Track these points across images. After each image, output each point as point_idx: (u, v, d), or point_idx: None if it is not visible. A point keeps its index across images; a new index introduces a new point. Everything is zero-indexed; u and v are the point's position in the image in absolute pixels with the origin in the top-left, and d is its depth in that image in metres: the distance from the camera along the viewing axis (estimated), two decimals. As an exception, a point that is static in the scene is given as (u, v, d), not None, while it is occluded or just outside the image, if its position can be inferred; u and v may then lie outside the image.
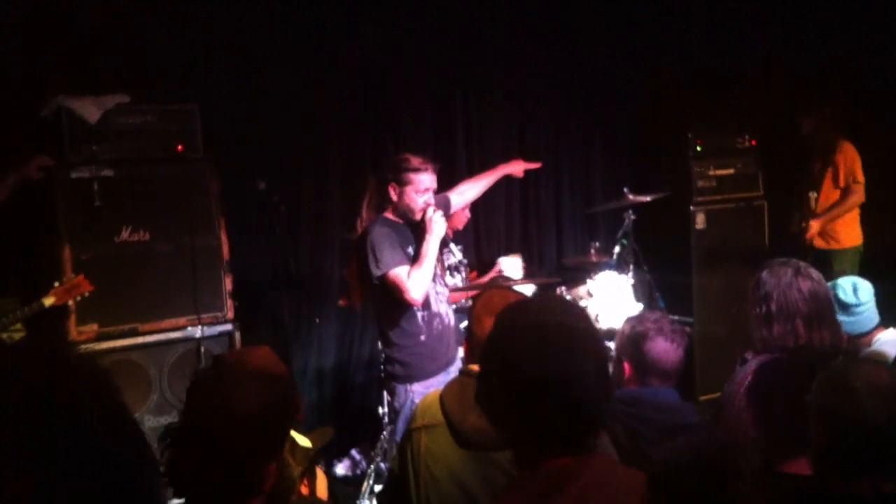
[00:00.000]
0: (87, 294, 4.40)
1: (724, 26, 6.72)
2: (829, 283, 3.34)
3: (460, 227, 5.80)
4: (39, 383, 0.79)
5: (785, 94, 6.70)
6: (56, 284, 4.31)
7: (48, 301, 4.26)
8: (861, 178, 5.97)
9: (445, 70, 6.39)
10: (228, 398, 1.75)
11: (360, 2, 5.95)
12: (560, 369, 1.65)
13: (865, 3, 6.39)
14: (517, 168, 4.93)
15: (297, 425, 2.42)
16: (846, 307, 3.43)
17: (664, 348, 2.94)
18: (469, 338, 2.73)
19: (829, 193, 6.11)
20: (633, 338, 2.98)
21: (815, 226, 5.96)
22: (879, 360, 2.43)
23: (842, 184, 6.03)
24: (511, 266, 5.84)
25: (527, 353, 1.67)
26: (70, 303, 4.39)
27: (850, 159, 5.98)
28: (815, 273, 3.10)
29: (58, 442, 0.77)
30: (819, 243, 6.11)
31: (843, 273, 4.83)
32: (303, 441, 2.63)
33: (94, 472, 0.78)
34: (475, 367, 2.65)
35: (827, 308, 3.09)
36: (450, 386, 2.72)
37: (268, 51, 5.66)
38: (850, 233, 6.16)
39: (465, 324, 5.18)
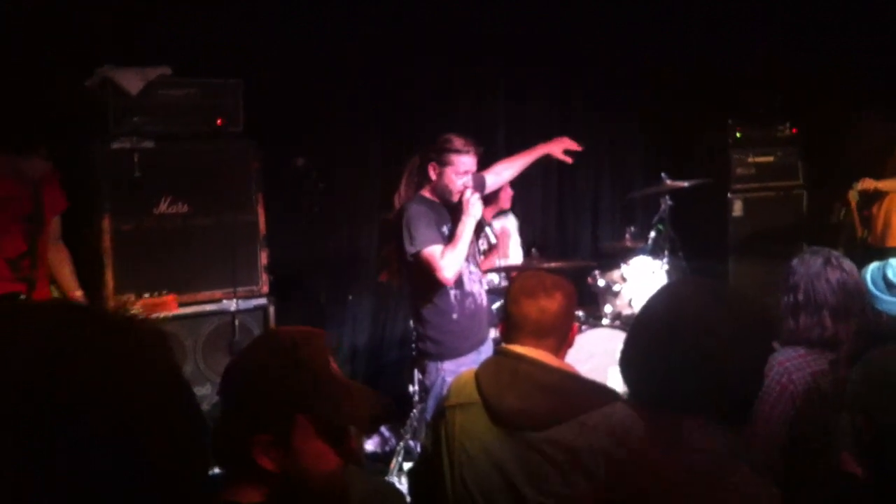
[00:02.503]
0: (169, 315, 4.37)
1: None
2: (880, 263, 3.28)
3: (507, 205, 5.89)
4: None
5: (830, 85, 6.59)
6: (146, 296, 4.34)
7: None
8: None
9: (486, 57, 6.39)
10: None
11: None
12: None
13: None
14: (557, 148, 4.84)
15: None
16: (892, 286, 3.36)
17: None
18: (506, 318, 2.73)
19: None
20: None
21: (868, 181, 5.85)
22: None
23: None
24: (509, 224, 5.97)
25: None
26: (108, 272, 4.42)
27: None
28: (846, 263, 3.04)
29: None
30: (875, 241, 5.97)
31: None
32: None
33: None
34: (512, 347, 2.66)
35: (856, 300, 3.02)
36: (486, 365, 2.72)
37: (308, 29, 5.68)
38: None
39: (497, 305, 5.20)
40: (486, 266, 5.24)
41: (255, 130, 5.11)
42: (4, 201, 4.10)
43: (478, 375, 2.67)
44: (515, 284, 2.80)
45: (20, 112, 4.30)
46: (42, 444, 0.76)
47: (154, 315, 4.25)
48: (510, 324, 2.69)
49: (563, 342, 2.68)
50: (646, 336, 1.85)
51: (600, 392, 2.61)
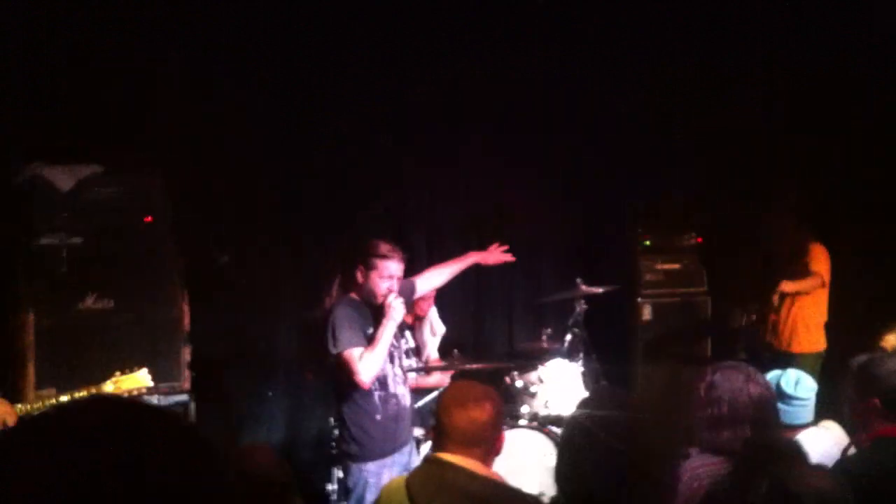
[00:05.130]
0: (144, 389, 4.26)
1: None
2: (777, 373, 3.53)
3: (424, 313, 5.95)
4: None
5: (734, 194, 6.86)
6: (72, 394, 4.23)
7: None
8: (827, 280, 6.06)
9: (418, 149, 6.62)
10: None
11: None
12: None
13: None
14: (490, 258, 5.07)
15: None
16: (783, 396, 3.59)
17: None
18: (436, 426, 2.85)
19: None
20: None
21: (787, 285, 6.01)
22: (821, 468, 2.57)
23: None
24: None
25: None
26: (30, 367, 4.39)
27: (820, 262, 6.05)
28: (761, 379, 3.27)
29: None
30: (781, 345, 6.18)
31: None
32: None
33: None
34: (440, 455, 2.78)
35: (773, 413, 3.26)
36: (415, 472, 2.83)
37: (233, 122, 5.83)
38: (812, 338, 6.18)
39: (419, 404, 5.29)
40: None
41: (179, 226, 5.19)
42: None
43: (408, 483, 2.77)
44: (447, 394, 2.94)
45: None
46: None
47: (135, 391, 4.19)
48: (440, 432, 2.81)
49: (490, 451, 2.81)
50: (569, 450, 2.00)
51: (524, 500, 2.74)
